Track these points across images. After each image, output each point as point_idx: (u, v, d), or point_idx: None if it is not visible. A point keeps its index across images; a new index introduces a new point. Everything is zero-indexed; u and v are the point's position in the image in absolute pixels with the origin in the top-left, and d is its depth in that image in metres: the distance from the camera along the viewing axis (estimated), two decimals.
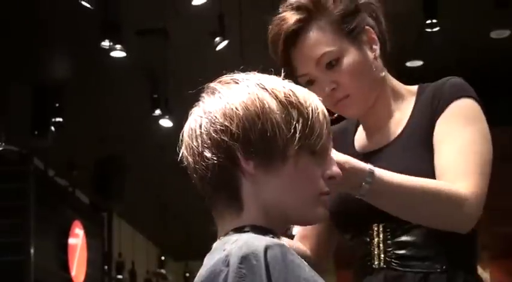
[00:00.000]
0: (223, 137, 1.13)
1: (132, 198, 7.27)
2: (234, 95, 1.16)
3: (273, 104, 1.15)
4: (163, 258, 10.18)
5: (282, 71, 1.22)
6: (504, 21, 5.43)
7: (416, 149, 1.51)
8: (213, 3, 4.51)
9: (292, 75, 1.51)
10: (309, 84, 1.53)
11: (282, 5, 1.55)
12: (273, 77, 1.20)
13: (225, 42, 4.55)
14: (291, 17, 1.51)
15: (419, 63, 6.14)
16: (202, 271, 1.10)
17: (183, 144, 1.19)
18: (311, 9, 1.51)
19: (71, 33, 5.15)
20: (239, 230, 1.13)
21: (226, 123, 1.13)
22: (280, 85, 1.18)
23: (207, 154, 1.14)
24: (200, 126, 1.16)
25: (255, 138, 1.13)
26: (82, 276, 6.03)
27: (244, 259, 1.04)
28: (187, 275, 10.70)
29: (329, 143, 1.21)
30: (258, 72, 1.21)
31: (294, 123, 1.15)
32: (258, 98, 1.14)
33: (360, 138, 1.65)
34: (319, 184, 1.19)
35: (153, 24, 5.08)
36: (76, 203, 6.36)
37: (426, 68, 6.16)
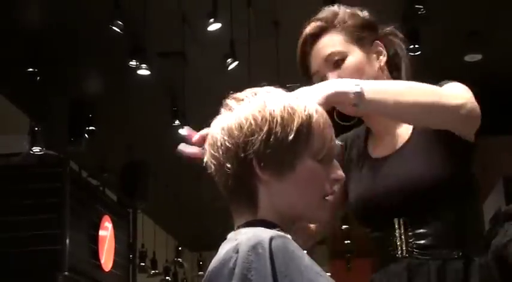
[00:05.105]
0: (239, 151, 1.12)
1: (154, 197, 7.27)
2: (244, 111, 1.13)
3: (277, 120, 1.12)
4: (180, 248, 10.17)
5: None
6: (477, 45, 5.43)
7: (429, 151, 1.47)
8: (225, 30, 4.51)
9: (308, 75, 1.53)
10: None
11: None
12: (276, 93, 1.17)
13: (235, 64, 4.55)
14: (313, 24, 1.54)
15: None
16: (217, 257, 1.10)
17: (207, 154, 1.17)
18: (330, 20, 1.53)
19: (103, 54, 5.17)
20: (250, 224, 1.13)
21: (241, 139, 1.11)
22: (281, 101, 1.15)
23: (228, 165, 1.13)
24: (219, 141, 1.14)
25: (266, 150, 1.11)
26: (110, 264, 6.01)
27: (252, 248, 1.04)
28: (201, 263, 10.69)
29: (333, 150, 1.18)
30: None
31: (297, 135, 1.12)
32: (265, 114, 1.12)
33: (373, 143, 1.60)
34: (325, 187, 1.17)
35: (173, 47, 5.09)
36: (106, 200, 6.35)
37: None
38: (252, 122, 1.12)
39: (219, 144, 1.14)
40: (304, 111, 1.14)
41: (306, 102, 1.17)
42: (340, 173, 1.19)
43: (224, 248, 1.10)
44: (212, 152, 1.15)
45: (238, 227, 1.14)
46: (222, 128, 1.14)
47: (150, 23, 4.64)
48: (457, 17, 5.12)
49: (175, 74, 5.29)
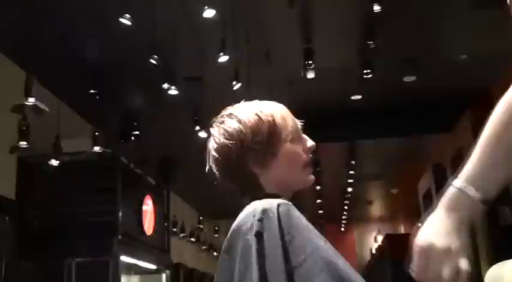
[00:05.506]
0: (235, 153, 1.13)
1: (182, 182, 7.25)
2: (229, 126, 1.14)
3: (252, 127, 1.13)
4: (201, 218, 10.15)
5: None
6: (412, 70, 5.42)
7: None
8: (231, 61, 4.51)
9: None
10: None
11: None
12: (244, 107, 1.17)
13: (239, 85, 4.54)
14: None
15: (359, 97, 6.13)
16: (237, 221, 1.09)
17: (211, 160, 1.17)
18: None
19: (144, 79, 5.16)
20: (260, 197, 1.12)
21: (236, 145, 1.13)
22: (251, 113, 1.15)
23: (229, 166, 1.14)
24: (215, 148, 1.15)
25: (255, 148, 1.12)
26: (151, 230, 5.99)
27: (265, 211, 1.03)
28: (216, 228, 10.71)
29: (298, 129, 1.18)
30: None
31: (270, 133, 1.14)
32: (245, 126, 1.14)
33: None
34: (303, 157, 1.17)
35: (194, 73, 5.08)
36: (147, 184, 6.34)
37: (365, 100, 6.14)
38: (239, 133, 1.13)
39: (215, 154, 1.15)
40: (268, 113, 1.15)
41: (266, 106, 1.18)
42: (311, 142, 1.19)
43: (243, 213, 1.09)
44: (214, 155, 1.16)
45: (251, 200, 1.13)
46: (216, 138, 1.16)
47: (178, 56, 4.62)
48: (396, 48, 5.11)
49: (196, 93, 5.28)
